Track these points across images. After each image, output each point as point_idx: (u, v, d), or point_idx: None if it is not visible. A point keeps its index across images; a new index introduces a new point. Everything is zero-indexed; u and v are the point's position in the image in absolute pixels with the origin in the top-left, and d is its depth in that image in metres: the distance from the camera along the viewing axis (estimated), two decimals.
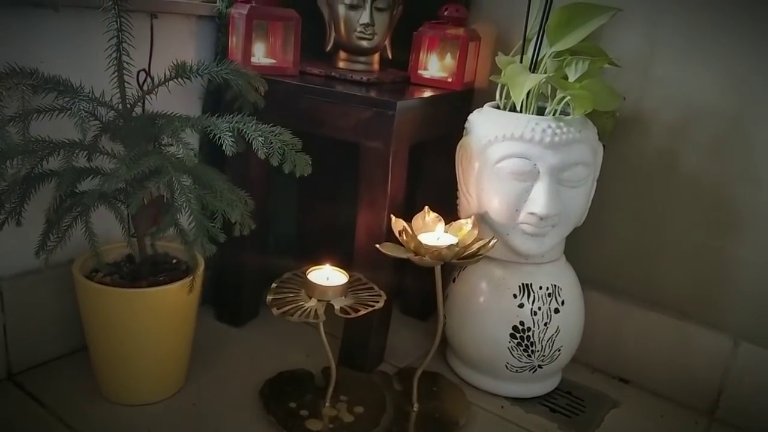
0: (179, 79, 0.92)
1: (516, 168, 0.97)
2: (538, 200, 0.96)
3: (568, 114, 1.02)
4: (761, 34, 1.00)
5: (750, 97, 1.02)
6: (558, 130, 0.96)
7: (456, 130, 1.09)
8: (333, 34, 1.18)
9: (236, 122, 0.87)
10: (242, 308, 1.22)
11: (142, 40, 1.03)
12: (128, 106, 0.91)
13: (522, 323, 1.04)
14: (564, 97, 0.99)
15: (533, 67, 1.03)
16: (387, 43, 1.21)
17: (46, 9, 0.91)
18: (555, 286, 1.05)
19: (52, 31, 0.93)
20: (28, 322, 1.00)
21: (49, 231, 0.82)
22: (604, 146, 1.09)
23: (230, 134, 0.82)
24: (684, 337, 1.14)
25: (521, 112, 1.02)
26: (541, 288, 1.05)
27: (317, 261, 0.96)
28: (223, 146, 0.82)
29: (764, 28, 0.99)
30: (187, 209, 0.81)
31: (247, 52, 1.08)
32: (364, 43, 1.15)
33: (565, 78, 0.99)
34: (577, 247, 1.16)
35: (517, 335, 1.04)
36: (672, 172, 1.11)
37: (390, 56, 1.23)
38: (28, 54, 0.91)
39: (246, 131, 0.85)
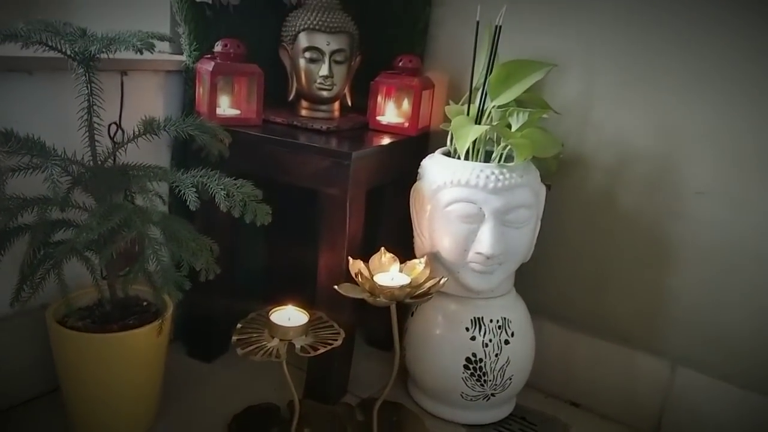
0: (148, 135, 0.99)
1: (463, 211, 1.05)
2: (484, 241, 1.04)
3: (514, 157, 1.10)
4: (687, 84, 1.09)
5: (678, 141, 1.11)
6: (501, 176, 1.04)
7: (413, 173, 1.17)
8: (295, 85, 1.25)
9: (200, 177, 0.93)
10: (212, 345, 1.28)
11: (113, 95, 1.09)
12: (99, 162, 0.97)
13: (474, 355, 1.11)
14: (507, 144, 1.07)
15: (479, 117, 1.11)
16: (347, 91, 1.29)
17: (20, 72, 0.97)
18: (505, 319, 1.13)
19: (27, 92, 1.00)
20: (3, 365, 1.05)
21: (23, 283, 0.88)
22: (549, 186, 1.18)
23: (194, 190, 0.89)
24: (628, 363, 1.22)
25: (470, 157, 1.11)
26: (491, 321, 1.12)
27: (283, 299, 1.02)
28: (188, 202, 0.88)
29: (690, 78, 1.09)
30: (154, 260, 0.87)
31: (213, 104, 1.15)
32: (324, 93, 1.23)
33: (509, 126, 1.08)
34: (530, 280, 1.24)
35: (470, 366, 1.11)
36: (611, 210, 1.20)
37: (350, 103, 1.31)
38: (3, 115, 0.96)
39: (209, 185, 0.92)
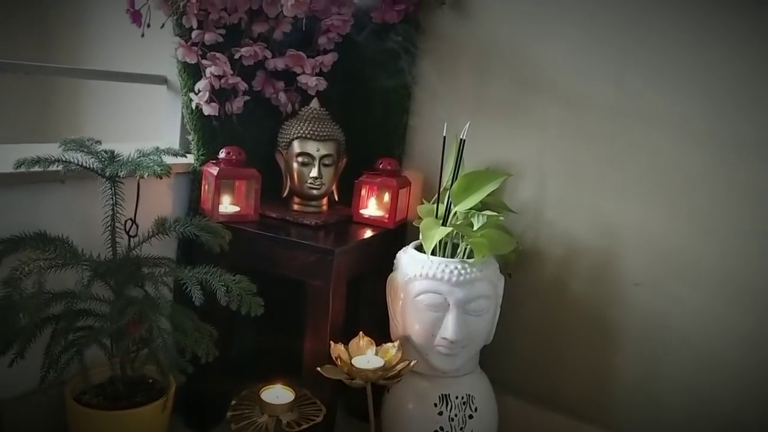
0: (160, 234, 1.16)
1: (431, 301, 1.21)
2: (449, 328, 1.20)
3: None
4: (623, 190, 1.27)
5: (616, 239, 1.29)
6: (463, 271, 1.21)
7: (391, 261, 1.33)
8: (288, 184, 1.43)
9: (203, 274, 1.10)
10: (207, 416, 1.41)
11: (130, 194, 1.27)
12: (118, 256, 1.14)
13: (442, 428, 1.25)
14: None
15: (446, 217, 1.29)
16: (334, 188, 1.47)
17: (55, 182, 1.15)
18: (469, 395, 1.27)
19: (59, 199, 1.17)
20: None
21: (50, 368, 1.02)
22: (509, 275, 1.35)
23: (199, 287, 1.05)
24: None
25: (437, 252, 1.27)
26: (457, 398, 1.26)
27: (272, 377, 1.17)
28: (193, 297, 1.04)
29: (625, 185, 1.27)
30: (162, 346, 1.03)
31: (216, 203, 1.33)
32: (314, 192, 1.41)
33: (472, 225, 1.25)
34: (493, 359, 1.39)
35: None
36: (563, 297, 1.36)
37: (336, 198, 1.49)
38: (37, 218, 1.13)
39: (212, 282, 1.08)
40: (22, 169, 0.99)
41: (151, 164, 1.02)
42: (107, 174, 1.04)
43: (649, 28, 1.22)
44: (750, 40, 1.13)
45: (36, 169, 1.02)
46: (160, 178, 1.02)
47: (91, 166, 1.06)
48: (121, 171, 1.03)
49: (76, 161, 1.04)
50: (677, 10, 1.19)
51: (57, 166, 1.02)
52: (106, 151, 1.11)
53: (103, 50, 2.28)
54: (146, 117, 2.05)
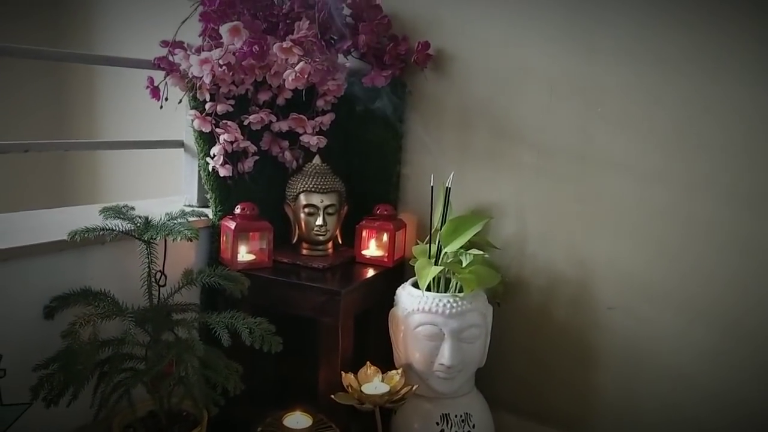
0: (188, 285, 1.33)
1: (428, 332, 1.37)
2: (445, 355, 1.36)
3: None
4: (592, 224, 1.45)
5: (590, 268, 1.46)
6: (455, 304, 1.37)
7: (392, 296, 1.50)
8: (297, 231, 1.61)
9: (229, 318, 1.27)
10: None
11: (158, 249, 1.44)
12: (155, 305, 1.30)
13: None
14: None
15: (438, 256, 1.46)
16: (338, 233, 1.64)
17: (97, 244, 1.32)
18: (467, 413, 1.43)
19: (100, 257, 1.34)
20: None
21: (102, 407, 1.19)
22: (498, 303, 1.52)
23: (226, 330, 1.22)
24: None
25: (431, 287, 1.44)
26: (456, 416, 1.42)
27: (292, 404, 1.33)
28: (221, 339, 1.21)
29: (594, 220, 1.44)
30: (197, 384, 1.19)
31: (235, 253, 1.50)
32: (320, 238, 1.58)
33: (460, 263, 1.43)
34: (488, 379, 1.54)
35: None
36: (548, 322, 1.53)
37: (340, 241, 1.66)
38: (83, 275, 1.31)
39: (237, 325, 1.25)
40: (76, 239, 1.17)
41: (182, 229, 1.19)
42: (145, 238, 1.22)
43: (607, 87, 1.40)
44: (695, 89, 1.31)
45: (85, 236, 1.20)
46: (190, 240, 1.19)
47: (130, 230, 1.23)
48: (156, 236, 1.20)
49: (117, 228, 1.22)
50: (631, 73, 1.37)
51: (102, 234, 1.20)
52: (140, 217, 1.29)
53: (121, 119, 2.49)
54: (167, 173, 2.25)
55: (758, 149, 1.26)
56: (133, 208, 1.32)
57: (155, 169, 2.37)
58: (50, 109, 2.69)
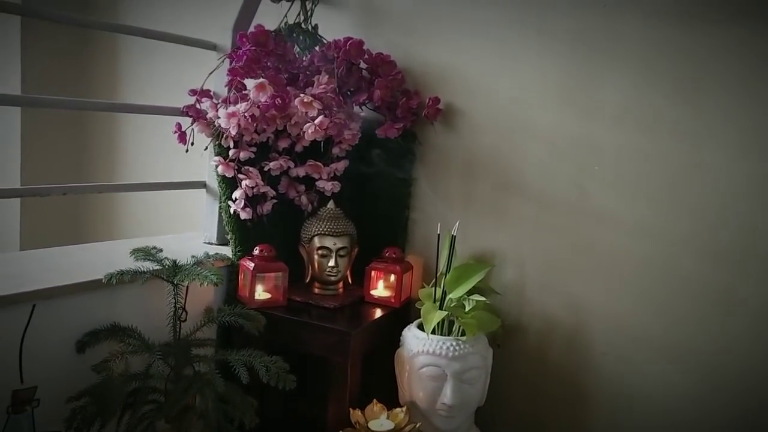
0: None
1: (431, 373, 1.47)
2: (447, 395, 1.45)
3: None
4: (588, 275, 1.54)
5: (585, 315, 1.55)
6: (458, 347, 1.47)
7: (398, 336, 1.59)
8: (310, 271, 1.71)
9: (247, 356, 1.36)
10: None
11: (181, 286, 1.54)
12: (179, 340, 1.40)
13: None
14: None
15: (443, 300, 1.55)
16: (348, 273, 1.74)
17: (125, 283, 1.43)
18: None
19: (127, 295, 1.44)
20: None
21: None
22: (498, 345, 1.61)
23: (244, 368, 1.31)
24: None
25: (436, 330, 1.53)
26: None
27: None
28: (240, 376, 1.31)
29: (589, 272, 1.54)
30: (217, 417, 1.28)
31: (252, 291, 1.60)
32: (332, 278, 1.68)
33: (463, 308, 1.52)
34: (487, 417, 1.63)
35: None
36: (544, 363, 1.62)
37: (350, 281, 1.76)
38: (112, 311, 1.41)
39: (254, 363, 1.35)
40: (112, 281, 1.27)
41: (209, 275, 1.30)
42: (174, 282, 1.32)
43: (602, 147, 1.51)
44: (681, 153, 1.42)
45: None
46: (216, 285, 1.29)
47: (159, 273, 1.34)
48: (185, 280, 1.31)
49: (148, 270, 1.32)
50: (625, 135, 1.48)
51: (135, 276, 1.31)
52: (168, 259, 1.39)
53: (137, 161, 2.60)
54: (179, 210, 2.36)
55: (735, 211, 1.37)
56: (161, 250, 1.43)
57: (169, 206, 2.47)
58: (71, 151, 2.80)
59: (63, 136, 2.76)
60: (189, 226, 2.15)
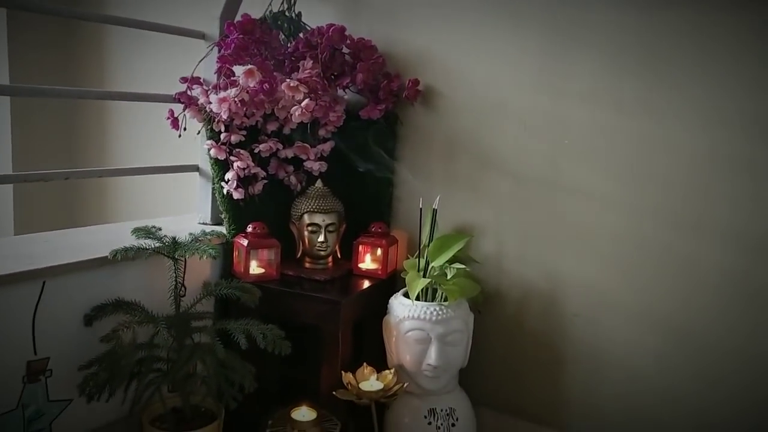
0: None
1: (417, 337, 1.58)
2: (432, 356, 1.56)
3: None
4: (560, 244, 1.66)
5: (558, 281, 1.67)
6: (441, 312, 1.58)
7: (385, 306, 1.70)
8: (301, 247, 1.81)
9: (246, 325, 1.46)
10: None
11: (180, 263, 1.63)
12: (179, 313, 1.50)
13: None
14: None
15: (426, 269, 1.66)
16: (337, 248, 1.84)
17: (127, 260, 1.51)
18: (451, 408, 1.63)
19: (131, 271, 1.53)
20: None
21: (135, 402, 1.38)
22: (479, 311, 1.73)
23: (243, 335, 1.41)
24: None
25: (421, 296, 1.64)
26: (441, 410, 1.62)
27: (297, 401, 1.52)
28: (239, 342, 1.41)
29: (562, 239, 1.65)
30: (218, 381, 1.39)
31: (247, 267, 1.70)
32: (322, 253, 1.78)
33: (445, 275, 1.63)
34: (470, 378, 1.75)
35: None
36: (521, 328, 1.73)
37: (339, 256, 1.86)
38: (117, 287, 1.50)
39: (252, 330, 1.44)
40: (117, 257, 1.36)
41: (207, 249, 1.39)
42: (175, 256, 1.42)
43: (571, 123, 1.61)
44: (644, 129, 1.53)
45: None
46: (214, 258, 1.39)
47: (160, 249, 1.43)
48: (185, 254, 1.40)
49: (150, 247, 1.42)
50: (592, 112, 1.59)
51: (138, 252, 1.40)
52: (167, 236, 1.48)
53: (128, 146, 2.67)
54: (169, 193, 2.44)
55: (697, 182, 1.48)
56: (160, 228, 1.52)
57: (158, 191, 2.55)
58: (62, 137, 2.85)
59: (52, 125, 2.82)
60: (178, 210, 2.23)
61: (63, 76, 2.76)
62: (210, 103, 1.63)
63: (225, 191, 1.73)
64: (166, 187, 2.51)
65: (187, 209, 2.17)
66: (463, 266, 1.63)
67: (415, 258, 1.72)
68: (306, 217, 1.77)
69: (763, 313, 1.44)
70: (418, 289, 1.57)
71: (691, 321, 1.52)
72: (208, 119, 1.70)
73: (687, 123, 1.48)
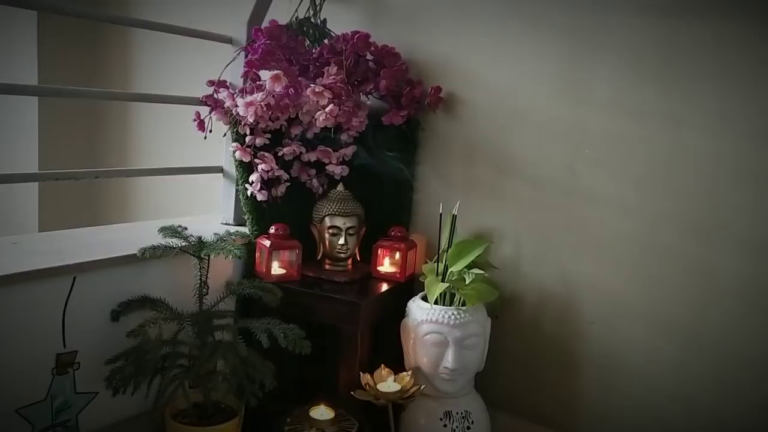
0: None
1: (435, 340, 1.60)
2: (449, 360, 1.59)
3: None
4: (577, 250, 1.67)
5: (575, 287, 1.68)
6: (459, 316, 1.60)
7: (403, 309, 1.72)
8: (321, 249, 1.84)
9: (267, 324, 1.49)
10: None
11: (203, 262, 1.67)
12: (202, 311, 1.53)
13: None
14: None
15: (445, 274, 1.68)
16: (357, 251, 1.87)
17: (156, 260, 1.55)
18: (466, 411, 1.65)
19: (156, 269, 1.57)
20: None
21: (160, 397, 1.41)
22: (496, 316, 1.75)
23: (266, 334, 1.44)
24: None
25: (439, 300, 1.66)
26: (457, 413, 1.64)
27: (315, 400, 1.55)
28: (261, 341, 1.44)
29: (579, 246, 1.67)
30: (240, 378, 1.42)
31: (269, 267, 1.73)
32: (342, 255, 1.81)
33: (464, 280, 1.65)
34: (486, 382, 1.77)
35: None
36: (538, 333, 1.75)
37: (358, 258, 1.89)
38: (142, 284, 1.54)
39: (273, 330, 1.48)
40: (146, 255, 1.40)
41: (232, 249, 1.43)
42: (201, 255, 1.45)
43: (591, 131, 1.63)
44: (664, 138, 1.54)
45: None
46: (239, 258, 1.42)
47: (186, 248, 1.47)
48: (211, 254, 1.44)
49: (177, 246, 1.45)
50: (612, 121, 1.60)
51: (165, 250, 1.44)
52: (193, 236, 1.52)
53: (151, 147, 2.72)
54: (187, 194, 2.49)
55: (714, 190, 1.49)
56: (186, 228, 1.56)
57: (180, 191, 2.60)
58: (86, 138, 2.92)
59: (77, 126, 2.89)
60: (197, 211, 2.27)
61: (90, 77, 2.83)
62: (236, 106, 1.67)
63: (249, 193, 1.77)
64: (187, 188, 2.55)
65: (205, 210, 2.21)
66: (482, 271, 1.65)
67: (434, 262, 1.74)
68: (327, 219, 1.80)
69: None
70: (436, 294, 1.59)
71: (710, 330, 1.53)
72: (234, 122, 1.74)
73: (707, 132, 1.49)
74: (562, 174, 1.68)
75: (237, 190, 1.85)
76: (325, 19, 1.92)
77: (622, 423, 1.65)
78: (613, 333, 1.64)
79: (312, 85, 1.69)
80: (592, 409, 1.69)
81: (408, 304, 1.71)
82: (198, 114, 1.78)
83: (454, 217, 1.69)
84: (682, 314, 1.56)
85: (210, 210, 2.14)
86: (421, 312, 1.64)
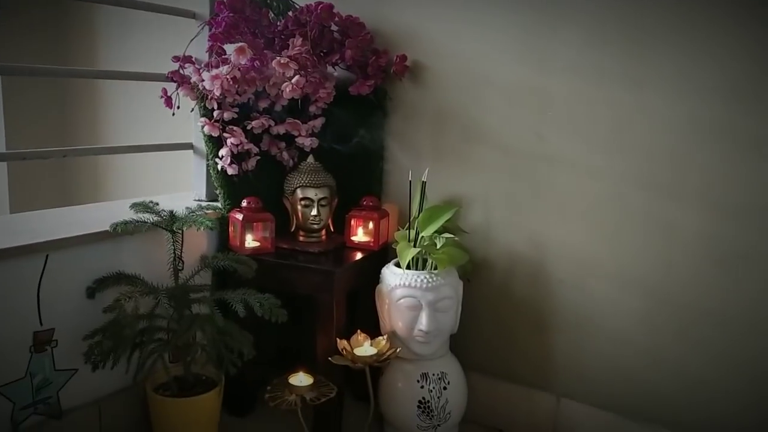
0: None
1: (409, 304, 1.64)
2: (423, 322, 1.63)
3: None
4: (546, 212, 1.71)
5: (544, 248, 1.73)
6: (431, 280, 1.64)
7: (377, 276, 1.76)
8: (294, 221, 1.86)
9: (243, 294, 1.52)
10: (244, 403, 1.82)
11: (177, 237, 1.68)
12: (178, 285, 1.55)
13: (423, 398, 1.67)
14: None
15: (416, 239, 1.72)
16: (330, 222, 1.89)
17: (126, 235, 1.56)
18: (443, 372, 1.70)
19: (130, 245, 1.58)
20: (117, 422, 1.59)
21: (139, 370, 1.43)
22: (468, 280, 1.79)
23: (241, 304, 1.47)
24: (529, 398, 1.79)
25: (411, 265, 1.70)
26: (434, 375, 1.69)
27: (294, 367, 1.58)
28: (237, 311, 1.46)
29: (546, 209, 1.71)
30: (218, 348, 1.44)
31: (242, 240, 1.75)
32: (315, 227, 1.83)
33: (435, 245, 1.69)
34: (460, 344, 1.81)
35: (421, 406, 1.67)
36: (510, 294, 1.80)
37: (332, 229, 1.91)
38: (117, 261, 1.55)
39: (249, 300, 1.50)
40: (118, 230, 1.41)
41: (204, 220, 1.44)
42: (173, 229, 1.46)
43: (554, 95, 1.66)
44: (626, 99, 1.58)
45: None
46: (211, 230, 1.43)
47: (159, 222, 1.48)
48: (183, 227, 1.45)
49: (149, 220, 1.46)
50: (575, 84, 1.64)
51: (137, 225, 1.44)
52: (165, 211, 1.53)
53: (121, 124, 2.70)
54: (158, 172, 2.48)
55: (674, 149, 1.54)
56: (157, 204, 1.56)
57: (151, 170, 2.59)
58: (53, 118, 2.88)
59: (45, 106, 2.85)
60: (171, 190, 2.27)
61: (54, 56, 2.78)
62: (202, 81, 1.67)
63: (219, 167, 1.77)
64: (159, 167, 2.55)
65: (179, 188, 2.21)
66: (452, 236, 1.68)
67: (406, 229, 1.77)
68: (299, 191, 1.82)
69: (733, 276, 1.50)
70: (408, 258, 1.63)
71: (673, 286, 1.58)
72: (201, 97, 1.74)
73: (666, 92, 1.53)
74: (528, 138, 1.71)
75: (207, 166, 1.86)
76: None
77: (595, 376, 1.71)
78: (582, 292, 1.70)
79: (278, 57, 1.69)
80: (565, 365, 1.75)
81: (382, 270, 1.75)
82: (165, 90, 1.77)
83: (423, 184, 1.72)
84: (646, 269, 1.61)
85: (184, 189, 2.14)
86: (394, 277, 1.67)
